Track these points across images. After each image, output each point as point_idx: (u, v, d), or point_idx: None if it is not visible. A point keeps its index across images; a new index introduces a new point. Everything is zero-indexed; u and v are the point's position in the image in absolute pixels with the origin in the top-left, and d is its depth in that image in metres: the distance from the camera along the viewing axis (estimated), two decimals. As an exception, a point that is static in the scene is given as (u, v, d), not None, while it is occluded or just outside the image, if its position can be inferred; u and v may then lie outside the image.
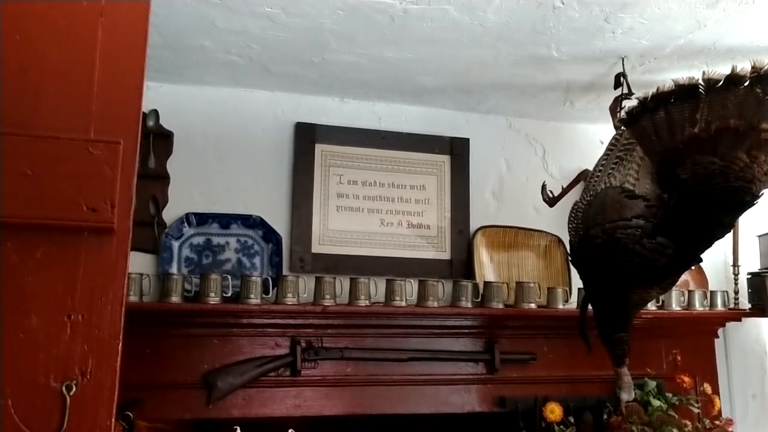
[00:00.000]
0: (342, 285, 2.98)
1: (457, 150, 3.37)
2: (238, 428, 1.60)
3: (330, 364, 3.00)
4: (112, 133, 1.23)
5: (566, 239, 2.81)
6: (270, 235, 3.06)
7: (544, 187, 3.07)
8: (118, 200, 1.20)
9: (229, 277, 2.87)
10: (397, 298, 2.97)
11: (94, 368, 1.19)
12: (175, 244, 2.97)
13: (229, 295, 2.86)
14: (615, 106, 2.85)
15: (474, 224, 3.35)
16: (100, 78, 1.25)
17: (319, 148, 3.19)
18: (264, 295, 2.87)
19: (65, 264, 1.20)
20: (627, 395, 2.68)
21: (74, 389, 1.18)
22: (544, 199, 3.06)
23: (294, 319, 2.95)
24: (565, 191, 3.04)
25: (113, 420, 1.19)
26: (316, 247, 3.12)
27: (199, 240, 3.00)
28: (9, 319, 1.17)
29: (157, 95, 3.04)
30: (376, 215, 3.22)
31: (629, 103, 2.59)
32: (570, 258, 2.72)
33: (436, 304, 3.01)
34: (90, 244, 1.21)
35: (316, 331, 2.98)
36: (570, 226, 2.64)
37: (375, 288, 3.01)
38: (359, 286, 2.94)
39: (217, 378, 2.83)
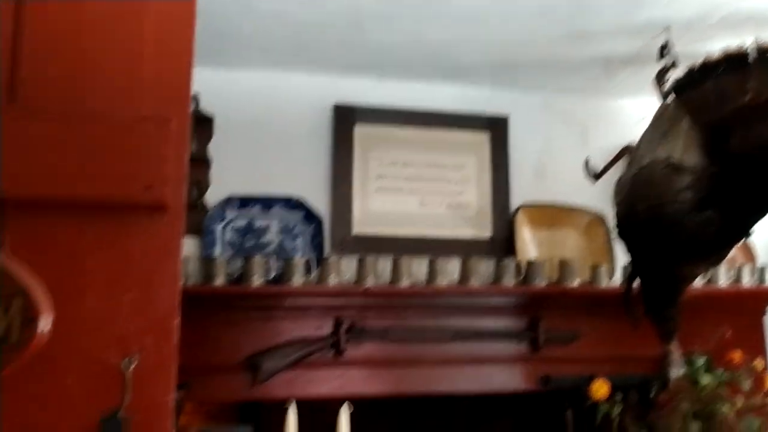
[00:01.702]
0: (384, 265, 2.98)
1: (496, 128, 3.34)
2: (293, 404, 1.61)
3: (373, 345, 3.00)
4: (163, 111, 1.24)
5: (609, 216, 2.77)
6: (311, 217, 3.07)
7: (586, 162, 3.03)
8: (171, 177, 1.21)
9: (272, 259, 2.89)
10: (439, 277, 2.96)
11: (151, 345, 1.21)
12: (218, 228, 2.99)
13: (272, 277, 2.87)
14: (660, 78, 2.79)
15: (515, 202, 3.32)
16: (151, 57, 1.26)
17: (358, 129, 3.19)
18: (306, 277, 2.88)
19: (121, 242, 1.21)
20: (675, 372, 2.64)
21: (133, 366, 1.19)
22: (588, 176, 3.02)
23: (336, 300, 2.96)
24: (608, 166, 3.00)
25: (172, 396, 1.21)
26: (357, 229, 3.13)
27: (241, 223, 3.02)
28: (69, 298, 1.18)
29: (198, 79, 3.02)
30: (416, 195, 3.21)
31: (675, 74, 2.53)
32: (615, 233, 2.68)
33: (478, 284, 2.99)
34: (145, 222, 1.22)
35: (358, 311, 2.99)
36: (615, 201, 2.59)
37: (417, 268, 2.99)
38: (401, 267, 2.94)
39: (261, 360, 2.86)
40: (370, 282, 2.91)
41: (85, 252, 1.20)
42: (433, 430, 3.40)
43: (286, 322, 2.94)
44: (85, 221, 1.20)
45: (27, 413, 1.16)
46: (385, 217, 3.16)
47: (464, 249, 3.20)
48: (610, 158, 3.00)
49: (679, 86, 2.21)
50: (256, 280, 2.81)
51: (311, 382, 2.95)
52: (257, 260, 2.82)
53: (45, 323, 1.16)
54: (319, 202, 3.12)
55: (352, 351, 2.98)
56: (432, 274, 2.97)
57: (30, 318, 1.15)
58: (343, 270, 2.96)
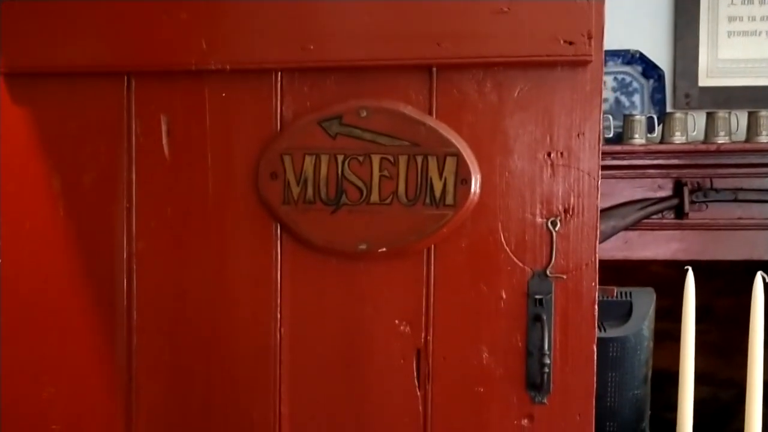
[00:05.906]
0: (738, 120, 2.69)
1: None
2: (689, 269, 1.54)
3: (719, 207, 2.78)
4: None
5: None
6: (650, 70, 2.84)
7: None
8: (594, 31, 1.14)
9: (610, 117, 2.75)
10: (809, 132, 2.61)
11: (575, 205, 1.19)
12: (550, 87, 2.91)
13: (610, 136, 2.75)
14: None
15: None
16: None
17: (706, -35, 2.83)
18: (648, 135, 2.71)
19: (542, 101, 1.19)
20: None
21: (559, 225, 1.19)
22: None
23: (680, 160, 2.76)
24: None
25: (596, 257, 1.20)
26: (704, 80, 2.83)
27: (575, 80, 2.90)
28: (495, 160, 1.20)
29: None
30: (778, 38, 2.81)
31: None
32: None
33: None
34: (564, 80, 1.18)
35: (704, 171, 2.77)
36: None
37: (779, 122, 2.66)
38: (760, 121, 2.63)
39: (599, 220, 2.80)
40: (721, 139, 2.66)
41: (507, 113, 1.20)
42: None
43: (622, 182, 2.82)
44: (505, 81, 1.19)
45: (462, 272, 1.22)
46: (739, 65, 2.81)
47: (837, 99, 2.76)
48: None
49: None
50: (595, 140, 2.70)
51: (649, 245, 2.85)
52: (595, 119, 2.70)
53: (475, 184, 1.19)
54: (660, 53, 2.85)
55: (696, 213, 2.79)
56: (798, 128, 2.62)
57: (463, 179, 1.18)
58: (690, 127, 2.73)
